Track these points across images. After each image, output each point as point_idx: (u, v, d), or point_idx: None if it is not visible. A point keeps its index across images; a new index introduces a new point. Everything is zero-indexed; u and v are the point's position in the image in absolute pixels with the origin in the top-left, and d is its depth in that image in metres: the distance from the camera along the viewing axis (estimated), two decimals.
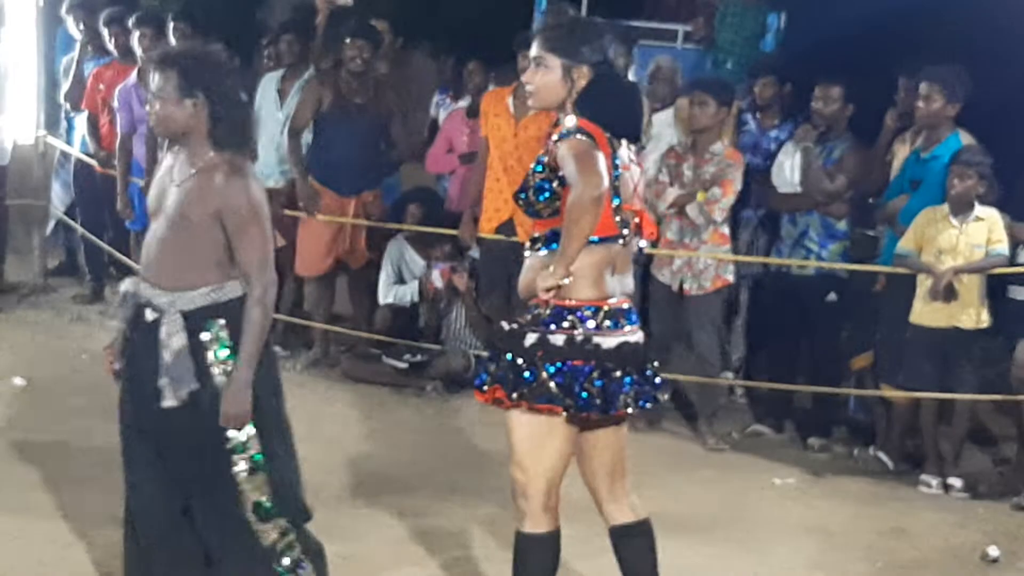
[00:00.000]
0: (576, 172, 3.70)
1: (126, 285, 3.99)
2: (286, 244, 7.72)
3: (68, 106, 9.23)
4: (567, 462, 3.97)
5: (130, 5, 9.17)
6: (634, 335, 3.91)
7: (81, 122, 9.01)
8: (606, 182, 3.73)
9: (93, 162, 8.84)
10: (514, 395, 3.82)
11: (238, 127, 3.94)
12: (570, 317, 3.82)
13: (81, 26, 9.01)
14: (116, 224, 8.71)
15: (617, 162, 3.90)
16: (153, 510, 3.99)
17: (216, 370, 3.85)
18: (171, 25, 8.34)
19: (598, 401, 3.79)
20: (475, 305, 7.54)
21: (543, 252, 3.90)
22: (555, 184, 3.83)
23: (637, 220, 4.02)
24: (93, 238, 8.92)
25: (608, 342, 3.83)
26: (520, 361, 3.82)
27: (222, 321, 3.86)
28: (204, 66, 3.93)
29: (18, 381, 6.92)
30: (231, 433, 3.86)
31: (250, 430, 3.88)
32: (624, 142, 3.97)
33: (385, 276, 7.93)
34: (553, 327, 3.82)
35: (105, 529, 4.80)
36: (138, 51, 8.41)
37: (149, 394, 3.85)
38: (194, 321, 3.84)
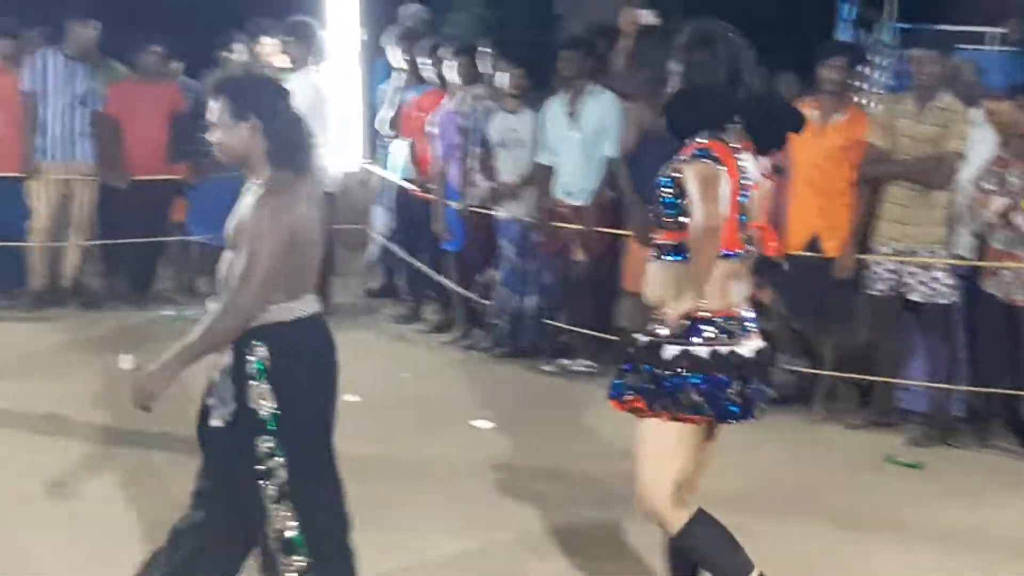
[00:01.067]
0: (698, 200, 3.88)
1: (210, 304, 3.97)
2: (596, 260, 7.84)
3: (387, 134, 9.62)
4: (693, 465, 4.09)
5: (439, 34, 9.54)
6: (759, 340, 4.05)
7: (399, 149, 9.38)
8: (724, 212, 3.88)
9: (412, 187, 9.18)
10: (655, 405, 3.94)
11: (294, 146, 3.96)
12: (709, 328, 3.94)
13: (402, 56, 9.39)
14: (433, 246, 9.00)
15: (747, 181, 4.00)
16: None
17: (252, 393, 3.81)
18: (480, 52, 8.58)
19: (739, 409, 3.95)
20: (785, 321, 7.42)
21: (669, 259, 4.01)
22: (681, 201, 3.95)
23: (760, 235, 4.13)
24: (412, 260, 9.25)
25: (744, 350, 3.97)
26: (662, 372, 3.93)
27: (263, 345, 3.81)
28: (254, 90, 4.02)
29: (351, 398, 7.22)
30: (259, 454, 3.82)
31: (280, 458, 3.82)
32: (753, 157, 4.05)
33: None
34: (695, 339, 3.93)
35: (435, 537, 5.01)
36: (453, 79, 8.71)
37: (201, 412, 3.90)
38: (241, 342, 3.81)
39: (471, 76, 8.67)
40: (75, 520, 5.29)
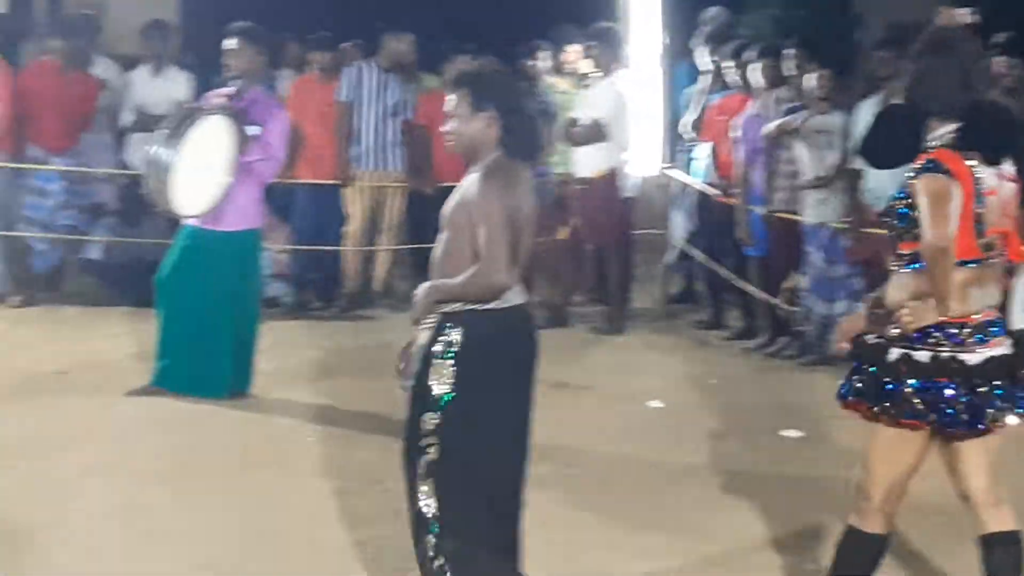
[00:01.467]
0: (927, 218, 3.84)
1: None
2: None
3: (691, 137, 9.59)
4: (914, 472, 4.04)
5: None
6: (1001, 347, 3.93)
7: (702, 153, 9.32)
8: (954, 228, 3.82)
9: (714, 191, 9.11)
10: (876, 409, 3.92)
11: (527, 142, 4.02)
12: (936, 334, 3.88)
13: (710, 58, 9.34)
14: (735, 251, 8.90)
15: (982, 188, 3.97)
16: None
17: (433, 371, 3.89)
18: (786, 53, 8.44)
19: (964, 417, 3.85)
20: None
21: (908, 270, 3.95)
22: (913, 213, 3.92)
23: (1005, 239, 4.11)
24: (713, 265, 9.18)
25: (973, 358, 3.87)
26: (883, 375, 3.90)
27: (457, 329, 3.89)
28: (494, 83, 4.07)
29: (655, 404, 7.25)
30: (423, 430, 3.91)
31: (436, 438, 3.89)
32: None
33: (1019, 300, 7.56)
34: (918, 344, 3.88)
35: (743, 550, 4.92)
36: (758, 82, 8.60)
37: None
38: (442, 324, 3.90)
39: (775, 78, 8.55)
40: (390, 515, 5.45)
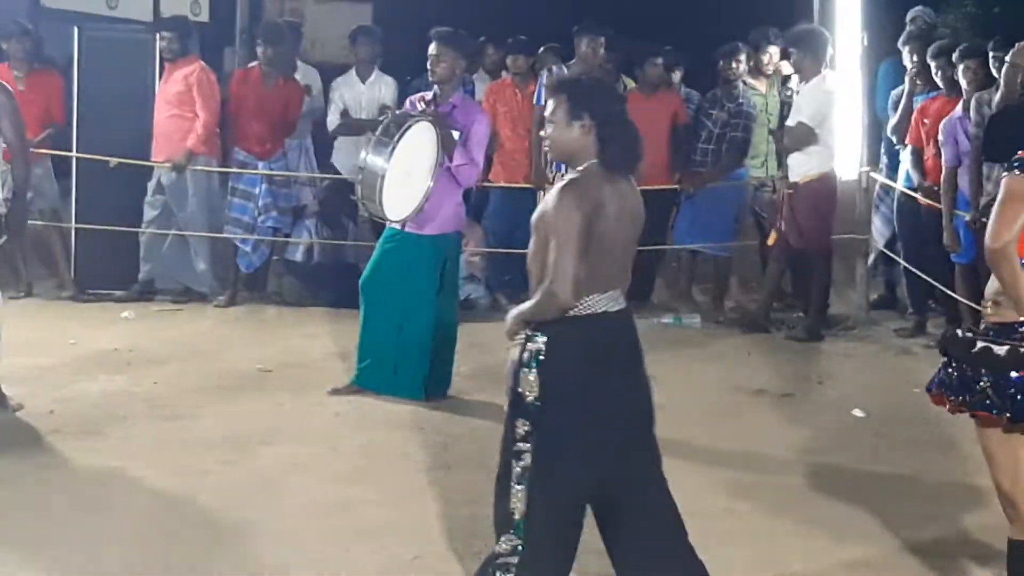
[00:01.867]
0: (993, 215, 3.88)
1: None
2: None
3: (894, 140, 9.38)
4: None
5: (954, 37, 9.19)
6: None
7: (905, 156, 9.11)
8: (1011, 234, 3.80)
9: (917, 195, 8.89)
10: (955, 400, 3.94)
11: (623, 151, 4.03)
12: (1022, 330, 3.86)
13: (913, 59, 9.12)
14: (940, 257, 8.65)
15: None
16: None
17: (523, 380, 3.98)
18: (993, 55, 8.18)
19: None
20: None
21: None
22: None
23: None
24: (916, 271, 8.95)
25: None
26: (964, 367, 3.91)
27: (542, 338, 3.95)
28: (591, 92, 4.11)
29: (858, 413, 7.10)
30: (517, 435, 4.00)
31: (529, 443, 3.96)
32: None
33: None
34: (1002, 338, 3.87)
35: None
36: (963, 83, 8.36)
37: None
38: (532, 332, 3.99)
39: (982, 80, 8.29)
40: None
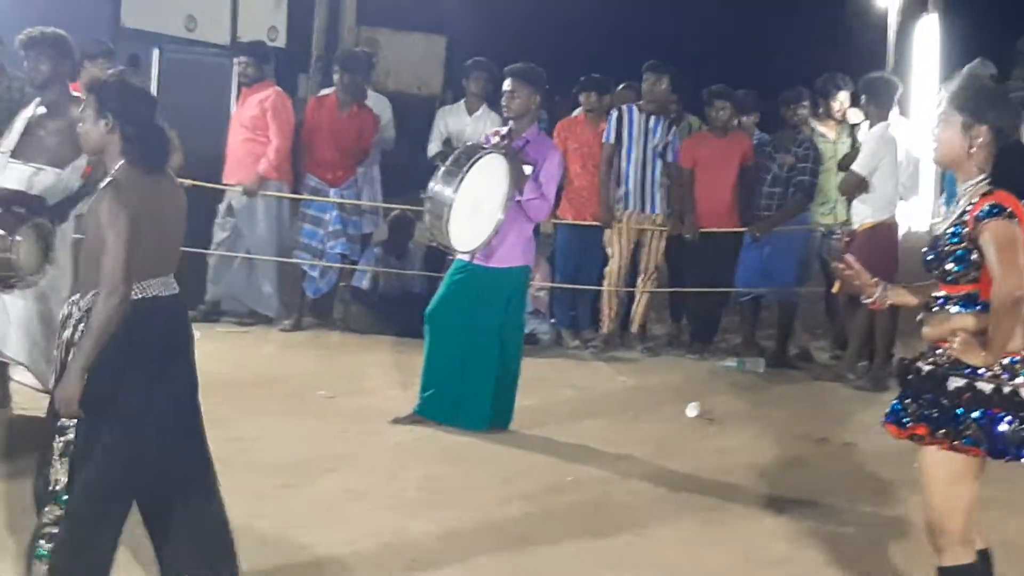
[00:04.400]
0: (998, 266, 3.88)
1: None
2: None
3: None
4: (975, 498, 4.10)
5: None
6: None
7: None
8: None
9: None
10: (938, 434, 3.96)
11: (147, 147, 4.29)
12: (996, 366, 3.92)
13: None
14: None
15: None
16: None
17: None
18: None
19: (1013, 449, 3.93)
20: None
21: (955, 310, 4.00)
22: (973, 256, 3.95)
23: None
24: None
25: None
26: (944, 402, 3.94)
27: None
28: (116, 92, 4.33)
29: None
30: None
31: (67, 420, 4.10)
32: None
33: None
34: (981, 373, 3.91)
35: None
36: None
37: None
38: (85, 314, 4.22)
39: None
40: (646, 561, 5.43)
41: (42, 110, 6.65)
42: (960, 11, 13.44)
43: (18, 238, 4.95)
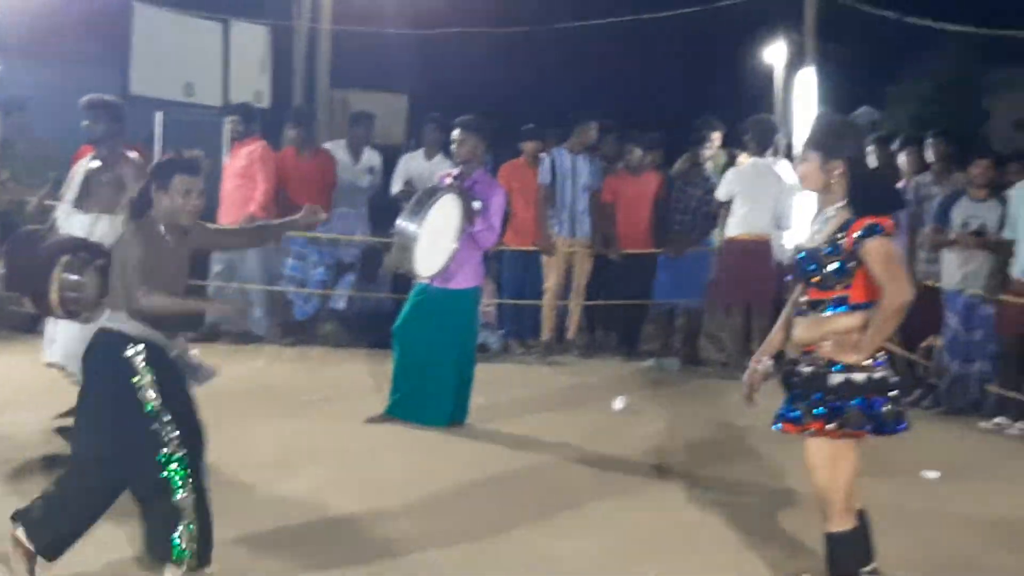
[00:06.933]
0: (887, 277, 3.91)
1: None
2: None
3: None
4: (857, 470, 4.13)
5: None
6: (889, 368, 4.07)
7: None
8: (912, 289, 3.92)
9: None
10: (830, 425, 3.99)
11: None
12: (867, 360, 3.98)
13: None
14: None
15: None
16: None
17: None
18: (928, 143, 8.27)
19: (890, 424, 4.01)
20: None
21: (827, 313, 4.04)
22: (851, 265, 3.98)
23: None
24: None
25: (893, 378, 4.03)
26: (829, 397, 3.98)
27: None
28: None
29: None
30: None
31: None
32: None
33: None
34: (853, 367, 3.97)
35: None
36: (903, 168, 8.47)
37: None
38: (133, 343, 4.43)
39: (918, 165, 8.39)
40: (580, 529, 5.47)
41: (96, 163, 6.65)
42: (834, 63, 13.66)
43: (84, 279, 4.94)
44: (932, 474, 6.54)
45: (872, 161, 8.81)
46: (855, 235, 4.00)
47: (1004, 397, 7.72)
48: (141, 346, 4.34)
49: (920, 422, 7.69)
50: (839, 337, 4.02)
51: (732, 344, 9.41)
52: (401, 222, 6.59)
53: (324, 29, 13.41)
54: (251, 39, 11.95)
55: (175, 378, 4.45)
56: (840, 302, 4.06)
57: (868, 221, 3.99)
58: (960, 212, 7.90)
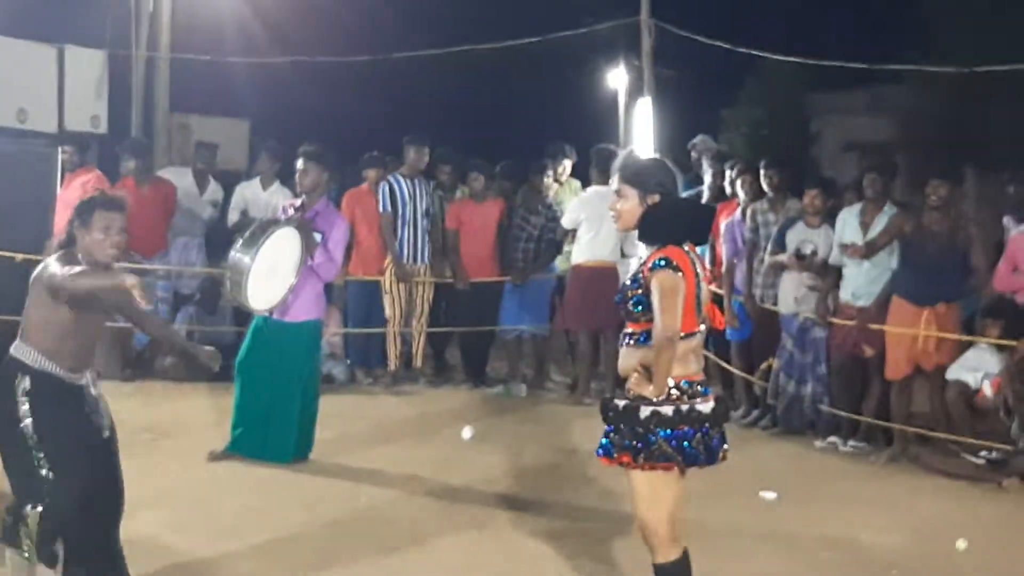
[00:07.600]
0: (659, 310, 3.92)
1: None
2: (875, 353, 7.60)
3: None
4: (680, 501, 4.13)
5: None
6: (712, 400, 4.04)
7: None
8: (679, 323, 3.90)
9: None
10: (639, 459, 3.98)
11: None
12: (674, 390, 3.97)
13: (709, 172, 9.35)
14: (716, 335, 8.78)
15: (700, 274, 4.06)
16: None
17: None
18: (763, 172, 8.45)
19: (703, 456, 3.99)
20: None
21: (638, 345, 4.03)
22: (650, 298, 3.97)
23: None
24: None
25: (706, 407, 3.99)
26: (639, 430, 3.96)
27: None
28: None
29: None
30: None
31: None
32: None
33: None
34: (662, 400, 3.95)
35: None
36: (740, 194, 8.62)
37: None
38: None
39: (755, 192, 8.58)
40: (439, 568, 5.36)
41: None
42: (669, 94, 13.94)
43: None
44: (770, 495, 6.64)
45: (725, 186, 8.96)
46: (649, 266, 4.02)
47: (837, 416, 7.91)
48: (28, 378, 4.26)
49: (758, 442, 7.95)
50: (642, 372, 4.01)
51: (580, 369, 9.44)
52: (235, 255, 6.34)
53: (163, 57, 13.02)
54: (87, 64, 11.43)
55: (68, 415, 4.31)
56: (647, 335, 4.02)
57: (660, 255, 3.99)
58: (795, 237, 8.08)
